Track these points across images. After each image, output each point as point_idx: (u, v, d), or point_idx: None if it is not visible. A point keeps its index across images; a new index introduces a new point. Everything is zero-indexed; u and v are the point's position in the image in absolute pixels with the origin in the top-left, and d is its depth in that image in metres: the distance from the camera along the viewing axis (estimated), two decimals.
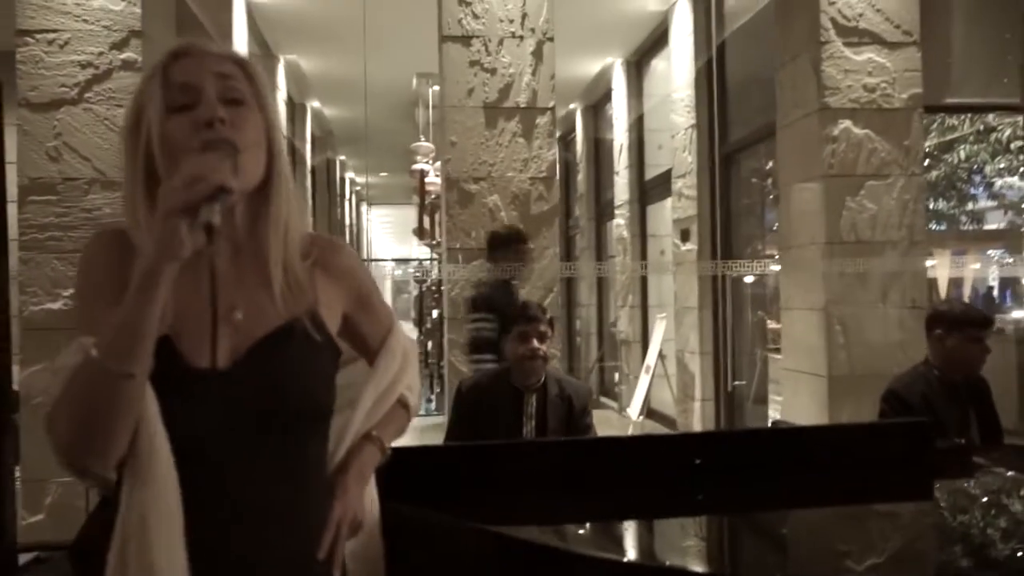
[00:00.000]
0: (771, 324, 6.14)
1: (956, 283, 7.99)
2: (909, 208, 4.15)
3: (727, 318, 5.77)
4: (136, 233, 0.96)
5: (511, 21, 4.02)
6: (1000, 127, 7.28)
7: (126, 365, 0.84)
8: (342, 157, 12.62)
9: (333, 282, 1.07)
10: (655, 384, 6.41)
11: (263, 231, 1.00)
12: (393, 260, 22.47)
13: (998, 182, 7.82)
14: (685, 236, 6.14)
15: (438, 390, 7.94)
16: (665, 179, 6.89)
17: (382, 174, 13.97)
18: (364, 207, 17.24)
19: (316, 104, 9.45)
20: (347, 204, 13.98)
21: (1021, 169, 7.53)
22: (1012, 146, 7.36)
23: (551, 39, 4.08)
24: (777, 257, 5.00)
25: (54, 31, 3.66)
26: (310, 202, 9.54)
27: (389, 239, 23.71)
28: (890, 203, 4.13)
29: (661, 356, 6.38)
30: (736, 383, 5.72)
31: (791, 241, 4.48)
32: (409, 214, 18.45)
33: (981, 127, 7.29)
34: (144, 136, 0.97)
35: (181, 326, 0.93)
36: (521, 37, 4.03)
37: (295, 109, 8.55)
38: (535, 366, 2.59)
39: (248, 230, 1.01)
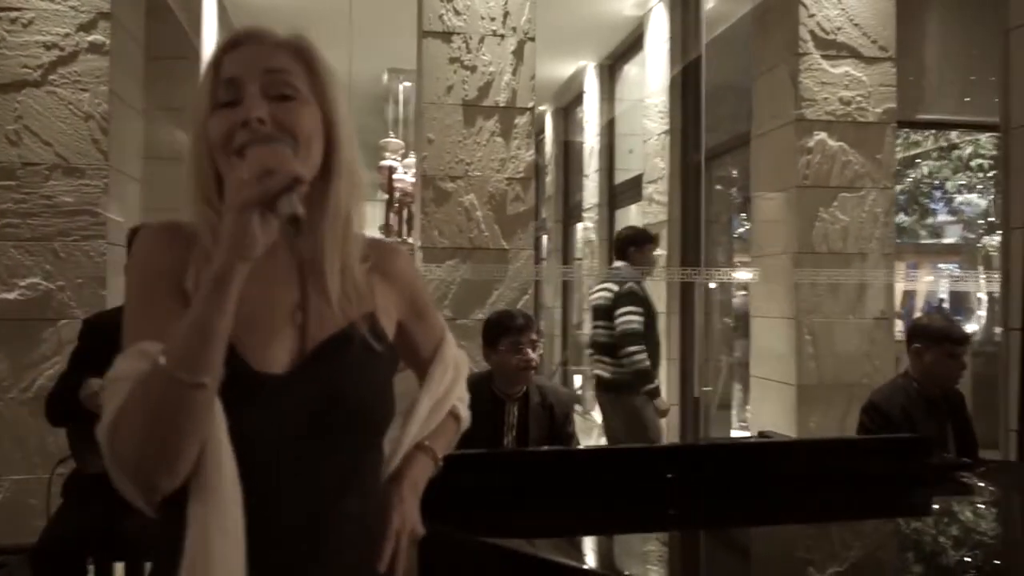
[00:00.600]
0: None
1: (909, 295, 8.18)
2: (880, 221, 4.20)
3: (695, 324, 5.79)
4: (200, 227, 0.92)
5: (493, 19, 3.97)
6: (962, 144, 7.46)
7: (197, 374, 0.78)
8: None
9: (390, 287, 1.03)
10: None
11: (320, 228, 0.94)
12: None
13: (958, 198, 8.03)
14: (654, 242, 6.14)
15: None
16: (635, 184, 6.90)
17: None
18: None
19: None
20: None
21: (979, 186, 7.74)
22: (972, 163, 7.55)
23: (532, 39, 4.04)
24: (741, 265, 5.03)
25: (18, 9, 3.51)
26: None
27: None
28: (861, 215, 4.19)
29: None
30: (703, 389, 5.74)
31: (763, 250, 4.51)
32: (373, 210, 18.30)
33: (944, 144, 7.46)
34: (195, 130, 0.93)
35: (242, 327, 0.87)
36: (502, 36, 3.99)
37: None
38: (528, 376, 2.54)
39: (305, 227, 0.96)
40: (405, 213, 8.27)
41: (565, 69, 8.14)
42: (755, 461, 1.73)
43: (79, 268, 3.53)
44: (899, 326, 5.08)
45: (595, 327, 4.03)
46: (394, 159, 8.09)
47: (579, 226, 8.79)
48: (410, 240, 8.06)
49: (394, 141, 8.20)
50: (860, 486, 1.54)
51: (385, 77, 8.22)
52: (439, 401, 1.09)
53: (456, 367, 1.12)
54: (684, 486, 1.60)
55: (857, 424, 2.61)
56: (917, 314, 8.44)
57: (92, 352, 2.20)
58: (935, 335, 2.61)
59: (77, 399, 2.05)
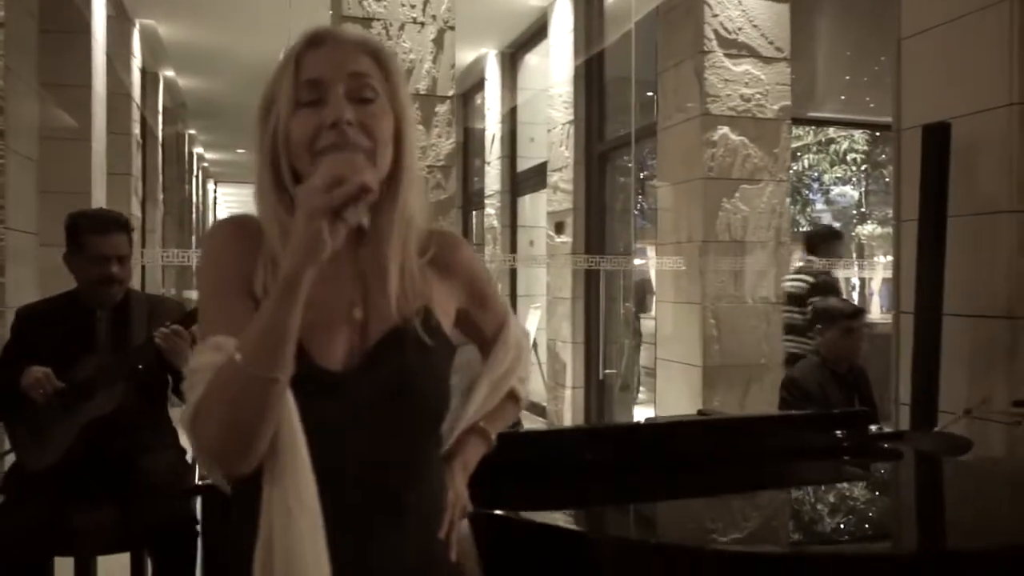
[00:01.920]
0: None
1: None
2: (776, 211, 4.50)
3: (600, 309, 5.99)
4: (262, 216, 0.94)
5: (412, 6, 3.97)
6: (838, 140, 8.04)
7: (271, 370, 0.82)
8: (192, 131, 11.92)
9: (448, 279, 1.06)
10: None
11: (385, 229, 0.97)
12: None
13: (834, 190, 8.65)
14: (560, 228, 6.31)
15: None
16: (538, 172, 7.03)
17: (239, 151, 13.31)
18: (211, 184, 16.37)
19: (170, 73, 8.88)
20: (194, 181, 13.23)
21: (853, 179, 8.36)
22: (848, 158, 8.15)
23: (452, 28, 4.07)
24: (647, 251, 5.25)
25: None
26: (160, 178, 8.98)
27: None
28: (760, 206, 4.46)
29: (534, 345, 6.53)
30: (606, 372, 5.96)
31: (669, 238, 4.73)
32: None
33: (823, 139, 8.01)
34: (272, 126, 0.94)
35: (307, 325, 0.89)
36: (422, 23, 3.99)
37: (146, 78, 8.00)
38: None
39: (370, 226, 0.98)
40: None
41: (465, 56, 8.16)
42: (700, 438, 1.85)
43: None
44: None
45: (789, 311, 4.45)
46: None
47: (480, 213, 8.88)
48: None
49: None
50: (801, 458, 1.69)
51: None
52: (497, 383, 1.12)
53: (518, 347, 1.15)
54: (624, 464, 1.69)
55: (778, 399, 2.84)
56: (841, 298, 9.10)
57: (25, 343, 2.10)
58: (832, 314, 2.92)
59: (17, 391, 1.96)
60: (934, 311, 2.67)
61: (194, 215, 13.09)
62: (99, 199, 5.30)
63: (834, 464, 1.67)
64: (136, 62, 7.08)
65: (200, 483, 1.31)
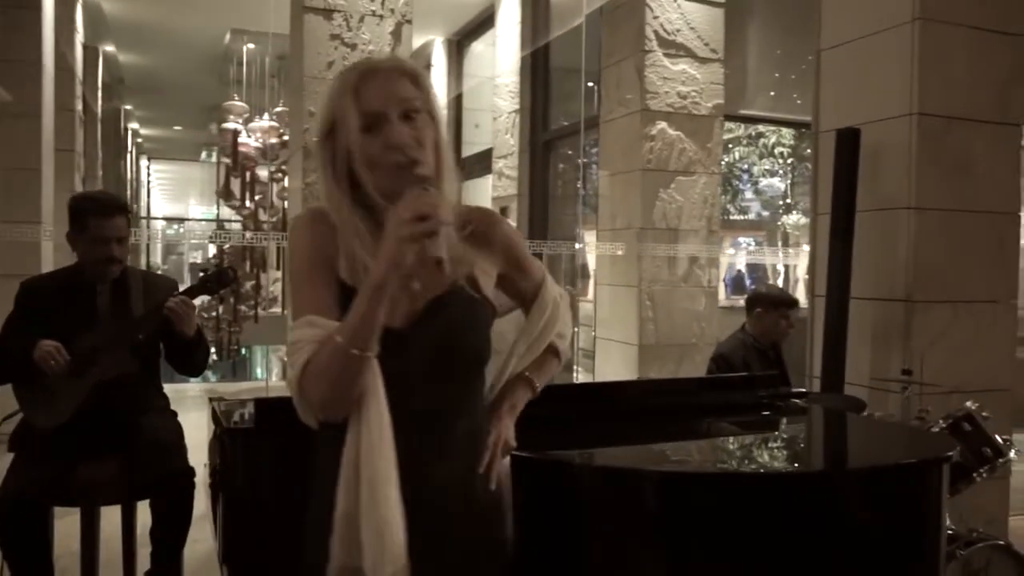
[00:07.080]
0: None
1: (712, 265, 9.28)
2: (708, 202, 4.86)
3: None
4: (338, 219, 1.17)
5: (372, 0, 4.16)
6: (767, 134, 8.52)
7: (366, 350, 1.06)
8: (128, 106, 11.73)
9: (488, 248, 1.27)
10: None
11: None
12: (164, 219, 21.11)
13: (762, 181, 9.15)
14: (504, 213, 6.57)
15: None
16: (483, 158, 7.27)
17: (176, 128, 13.13)
18: (144, 161, 16.05)
19: (110, 48, 8.78)
20: (128, 156, 13.01)
21: (780, 172, 8.86)
22: (775, 151, 8.64)
23: (409, 21, 4.28)
24: (584, 237, 5.56)
25: None
26: (99, 154, 8.89)
27: (163, 196, 22.08)
28: (694, 196, 4.81)
29: None
30: None
31: (609, 224, 5.05)
32: (188, 171, 17.38)
33: (753, 133, 8.47)
34: (342, 146, 1.16)
35: None
36: (381, 16, 4.19)
37: (87, 53, 7.92)
38: None
39: None
40: (247, 177, 8.14)
41: (413, 42, 8.30)
42: (637, 396, 2.15)
43: None
44: None
45: None
46: (238, 122, 7.92)
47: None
48: (249, 206, 7.96)
49: (238, 104, 7.98)
50: (721, 413, 2.01)
51: (227, 37, 8.03)
52: (535, 339, 1.32)
53: (554, 306, 1.34)
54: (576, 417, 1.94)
55: (706, 371, 3.17)
56: (721, 282, 9.63)
57: (29, 314, 2.25)
58: (773, 301, 3.27)
59: (26, 359, 2.11)
60: (842, 294, 3.04)
61: (128, 191, 12.88)
62: (47, 175, 5.33)
63: (747, 416, 1.99)
64: (79, 37, 7.03)
65: (234, 426, 1.51)
